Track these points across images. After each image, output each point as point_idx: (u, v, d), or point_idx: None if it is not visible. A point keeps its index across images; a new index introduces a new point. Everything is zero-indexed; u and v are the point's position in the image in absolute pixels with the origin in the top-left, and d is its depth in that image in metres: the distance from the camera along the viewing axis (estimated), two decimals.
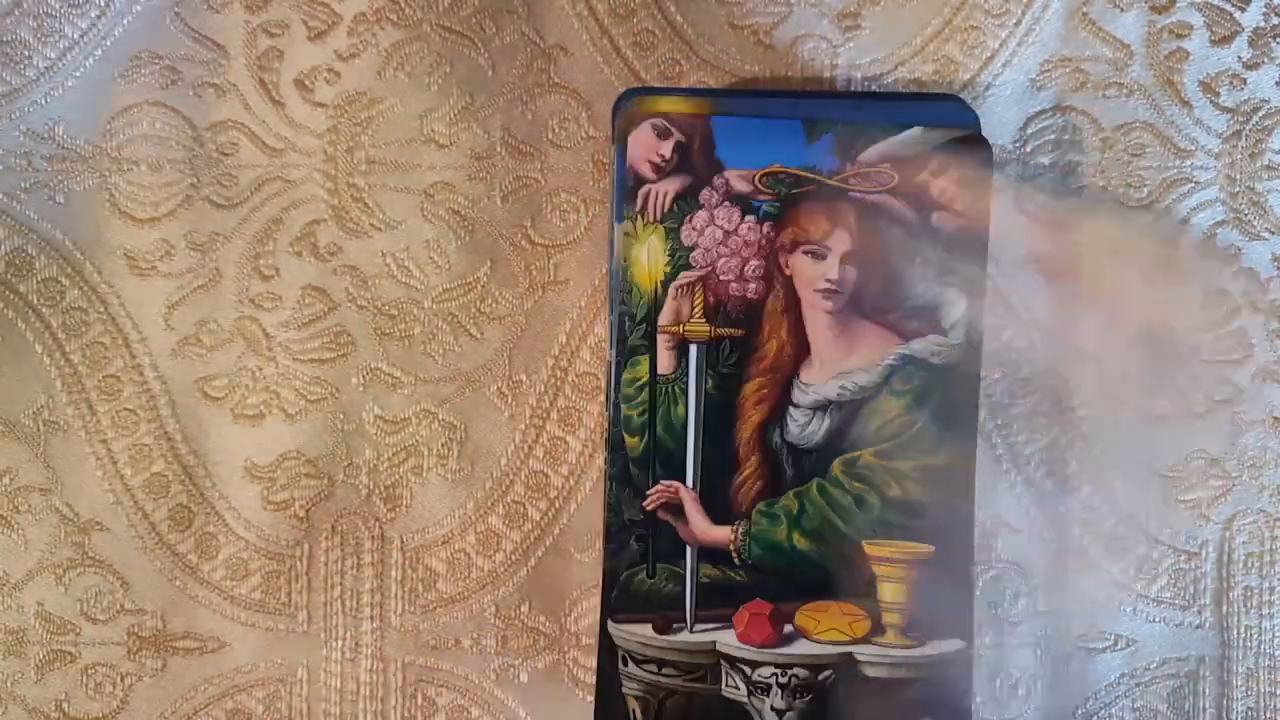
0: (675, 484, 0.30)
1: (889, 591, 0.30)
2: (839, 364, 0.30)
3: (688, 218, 0.30)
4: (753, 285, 0.30)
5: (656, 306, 0.30)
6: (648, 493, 0.30)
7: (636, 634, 0.30)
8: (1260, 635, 0.32)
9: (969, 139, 0.30)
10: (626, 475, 0.30)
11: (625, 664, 0.30)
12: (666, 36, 0.32)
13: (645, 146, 0.30)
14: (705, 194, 0.30)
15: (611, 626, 0.30)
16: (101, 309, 0.32)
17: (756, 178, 0.30)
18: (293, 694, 0.32)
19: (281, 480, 0.32)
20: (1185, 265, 0.32)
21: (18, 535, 0.32)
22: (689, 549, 0.30)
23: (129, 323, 0.32)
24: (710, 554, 0.30)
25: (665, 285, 0.30)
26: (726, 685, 0.30)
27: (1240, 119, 0.33)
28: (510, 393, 0.32)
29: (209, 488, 0.32)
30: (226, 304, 0.32)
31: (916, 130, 0.30)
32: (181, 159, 0.32)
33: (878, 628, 0.30)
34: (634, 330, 0.30)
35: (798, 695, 0.29)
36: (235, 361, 0.32)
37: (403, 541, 0.32)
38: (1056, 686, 0.33)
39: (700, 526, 0.30)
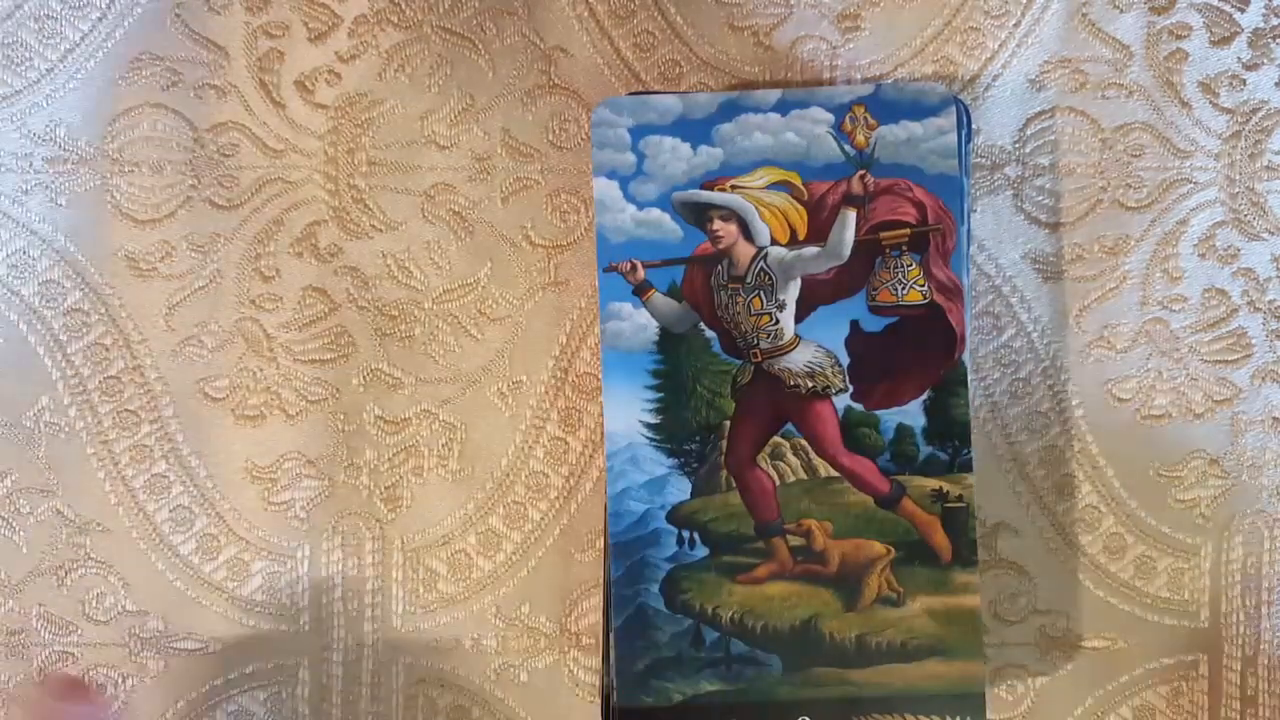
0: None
1: None
2: None
3: None
4: None
5: None
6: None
7: None
8: (1259, 634, 0.32)
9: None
10: None
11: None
12: (666, 38, 0.33)
13: None
14: None
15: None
16: (102, 310, 0.33)
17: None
18: (294, 694, 0.32)
19: (282, 481, 0.32)
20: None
21: (19, 536, 0.32)
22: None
23: (130, 324, 0.33)
24: None
25: None
26: None
27: (1240, 120, 0.33)
28: (510, 393, 0.32)
29: (210, 488, 0.32)
30: (227, 305, 0.33)
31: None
32: (182, 160, 0.32)
33: None
34: None
35: None
36: (236, 362, 0.32)
37: (403, 542, 0.32)
38: (1056, 686, 0.33)
39: None
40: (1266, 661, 0.32)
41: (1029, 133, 0.32)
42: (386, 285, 0.33)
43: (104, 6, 0.32)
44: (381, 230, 0.33)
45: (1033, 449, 0.32)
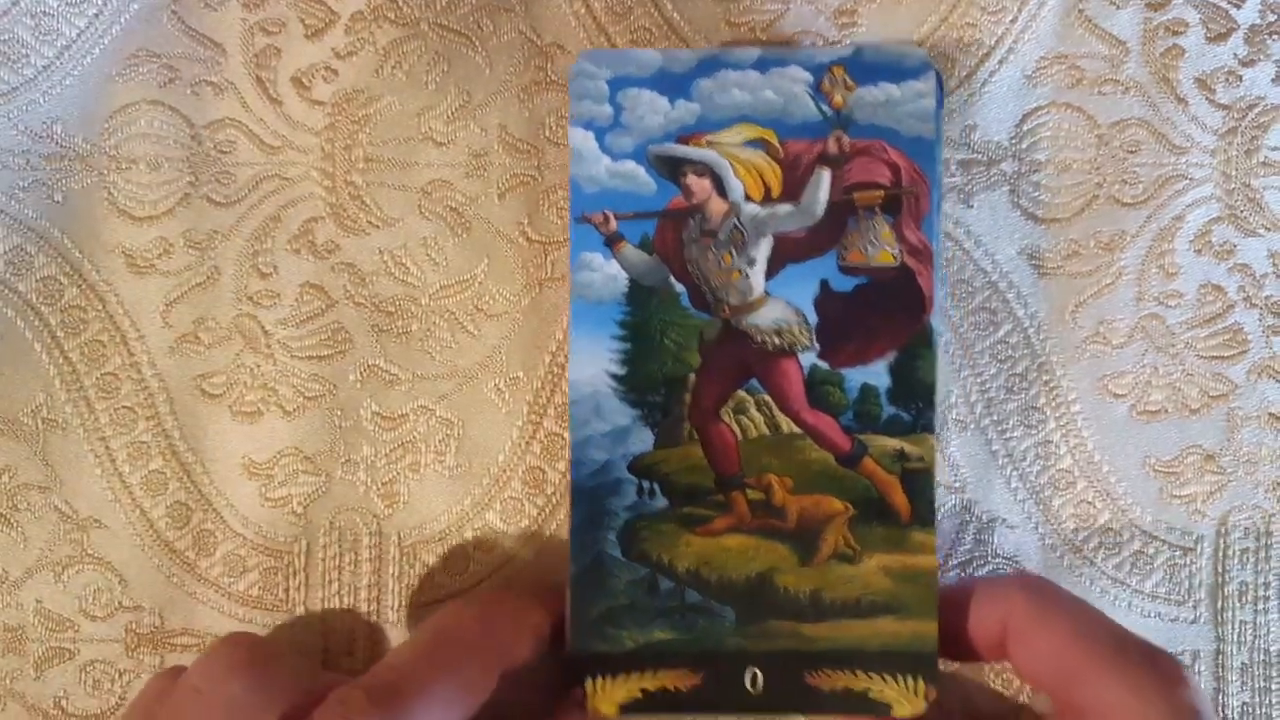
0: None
1: None
2: None
3: None
4: None
5: None
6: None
7: None
8: (1255, 630, 0.33)
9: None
10: None
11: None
12: (663, 34, 0.33)
13: None
14: None
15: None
16: (100, 307, 0.33)
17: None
18: None
19: (279, 477, 0.32)
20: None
21: (17, 533, 0.33)
22: None
23: (127, 321, 0.33)
24: None
25: None
26: None
27: (1236, 116, 0.33)
28: (507, 389, 0.32)
29: (207, 485, 0.32)
30: (225, 301, 0.33)
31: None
32: (179, 157, 0.33)
33: None
34: None
35: None
36: (233, 359, 0.33)
37: (400, 538, 0.33)
38: None
39: None
40: (1264, 658, 0.33)
41: (1025, 129, 0.32)
42: (383, 281, 0.33)
43: (100, 3, 0.32)
44: (378, 227, 0.33)
45: (1028, 444, 0.33)
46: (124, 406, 0.33)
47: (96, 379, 0.33)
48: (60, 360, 0.33)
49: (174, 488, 0.33)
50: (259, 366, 0.32)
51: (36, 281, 0.33)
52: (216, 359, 0.33)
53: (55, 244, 0.33)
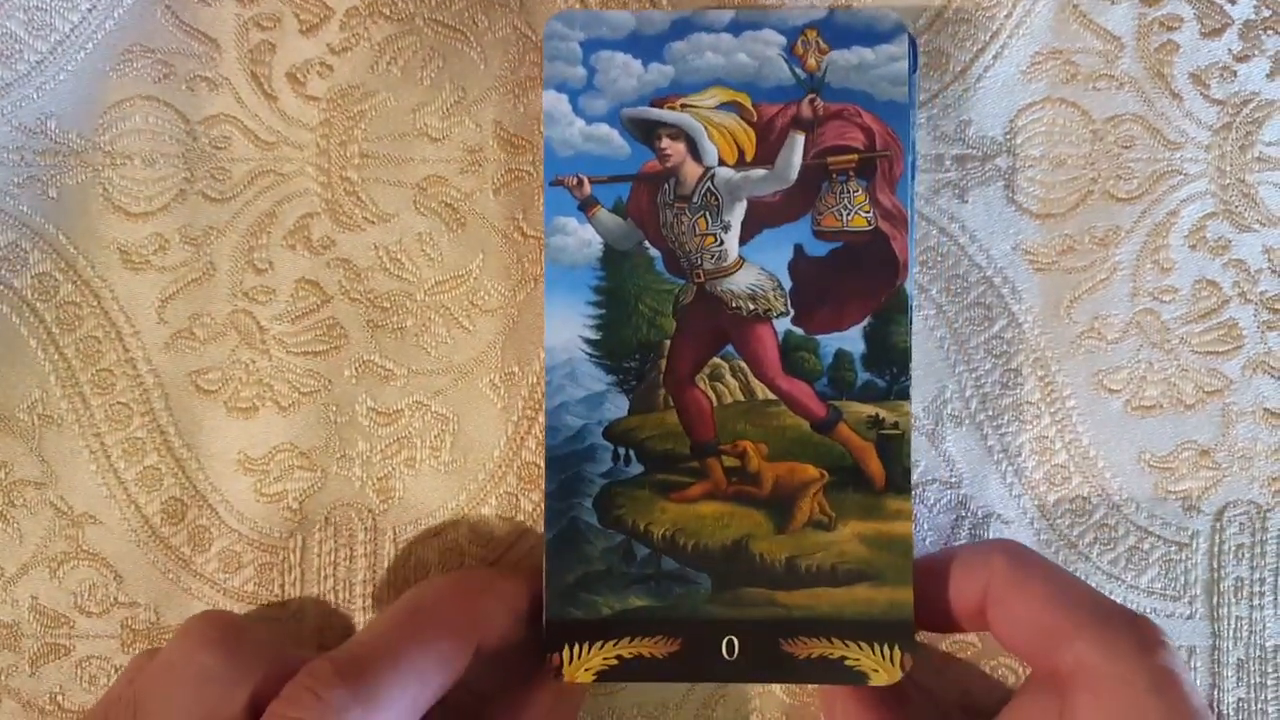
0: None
1: None
2: None
3: None
4: None
5: None
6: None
7: None
8: (1251, 626, 0.33)
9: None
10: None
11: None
12: None
13: None
14: None
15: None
16: (95, 303, 0.33)
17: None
18: None
19: (274, 472, 0.32)
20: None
21: (12, 529, 0.33)
22: None
23: (122, 317, 0.33)
24: None
25: None
26: None
27: (1230, 111, 0.33)
28: (503, 384, 0.32)
29: (202, 480, 0.32)
30: (220, 297, 0.33)
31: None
32: (175, 153, 0.33)
33: None
34: None
35: None
36: (228, 354, 0.33)
37: (395, 533, 0.33)
38: None
39: None
40: (1259, 654, 0.33)
41: (1020, 124, 0.32)
42: (378, 277, 0.33)
43: None
44: (374, 222, 0.33)
45: (1023, 440, 0.33)
46: (119, 402, 0.33)
47: (92, 375, 0.33)
48: (55, 356, 0.33)
49: (169, 483, 0.33)
50: (254, 362, 0.32)
51: (32, 278, 0.32)
52: (212, 355, 0.33)
53: (50, 240, 0.32)
